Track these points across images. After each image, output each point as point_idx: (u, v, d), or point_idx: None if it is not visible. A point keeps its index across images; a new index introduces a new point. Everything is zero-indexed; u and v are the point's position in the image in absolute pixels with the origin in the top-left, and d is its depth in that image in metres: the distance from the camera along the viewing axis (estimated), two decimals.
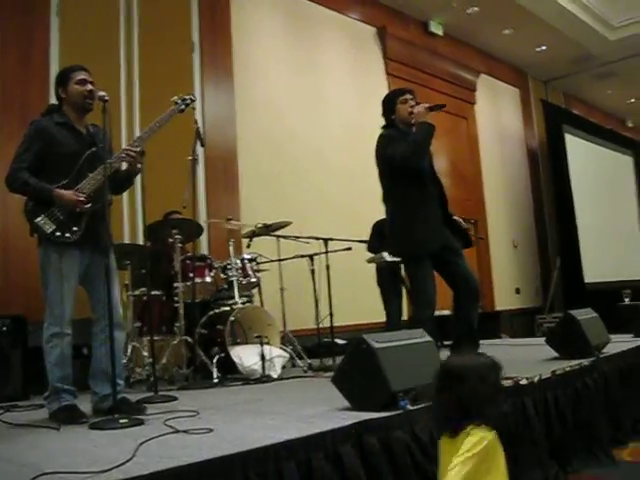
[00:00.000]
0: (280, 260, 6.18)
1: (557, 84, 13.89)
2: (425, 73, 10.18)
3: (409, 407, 3.05)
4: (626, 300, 9.13)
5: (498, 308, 10.94)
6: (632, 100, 15.46)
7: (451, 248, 4.36)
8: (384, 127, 4.53)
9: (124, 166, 3.85)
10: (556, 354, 5.17)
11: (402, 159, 4.23)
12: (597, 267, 12.49)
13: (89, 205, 3.53)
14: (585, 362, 4.76)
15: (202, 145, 5.12)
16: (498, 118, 12.28)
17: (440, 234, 4.31)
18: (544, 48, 11.94)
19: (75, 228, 3.52)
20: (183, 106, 3.98)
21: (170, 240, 5.20)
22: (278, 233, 6.08)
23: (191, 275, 5.30)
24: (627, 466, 4.17)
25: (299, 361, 5.72)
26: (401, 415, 3.01)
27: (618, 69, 13.22)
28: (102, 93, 3.57)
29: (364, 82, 9.23)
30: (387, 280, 6.32)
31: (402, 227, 4.32)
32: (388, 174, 4.38)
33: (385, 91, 7.95)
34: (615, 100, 15.37)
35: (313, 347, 6.21)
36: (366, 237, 6.64)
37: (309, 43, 8.64)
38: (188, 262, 5.43)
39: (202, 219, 6.53)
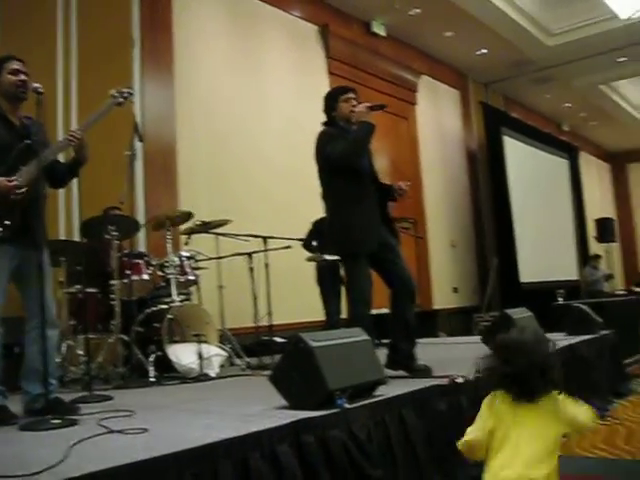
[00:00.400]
0: (219, 258, 6.14)
1: (497, 87, 14.13)
2: (367, 73, 10.23)
3: (346, 405, 3.06)
4: (560, 300, 9.32)
5: (436, 307, 11.08)
6: (568, 105, 15.85)
7: (388, 246, 4.38)
8: (324, 124, 4.54)
9: (61, 159, 3.76)
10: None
11: (341, 157, 4.25)
12: (533, 267, 12.77)
13: (23, 191, 3.41)
14: None
15: (140, 140, 5.05)
16: (438, 119, 12.44)
17: (377, 233, 4.33)
18: (484, 51, 12.13)
19: (7, 222, 3.41)
20: (121, 99, 3.90)
21: (107, 236, 5.09)
22: (217, 230, 6.02)
23: (128, 272, 5.22)
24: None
25: (237, 359, 5.69)
26: (338, 414, 3.02)
27: (555, 74, 13.54)
28: (36, 85, 3.48)
29: (306, 80, 9.23)
30: (327, 279, 6.33)
31: (340, 225, 4.33)
32: (327, 171, 4.38)
33: (327, 90, 7.96)
34: (552, 104, 15.74)
35: (252, 345, 6.18)
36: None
37: (252, 41, 8.59)
38: (125, 259, 5.34)
39: (140, 215, 6.44)
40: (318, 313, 6.47)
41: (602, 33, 11.68)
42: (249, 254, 5.97)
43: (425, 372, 4.24)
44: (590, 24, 11.66)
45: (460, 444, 2.34)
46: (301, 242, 6.53)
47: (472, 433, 2.32)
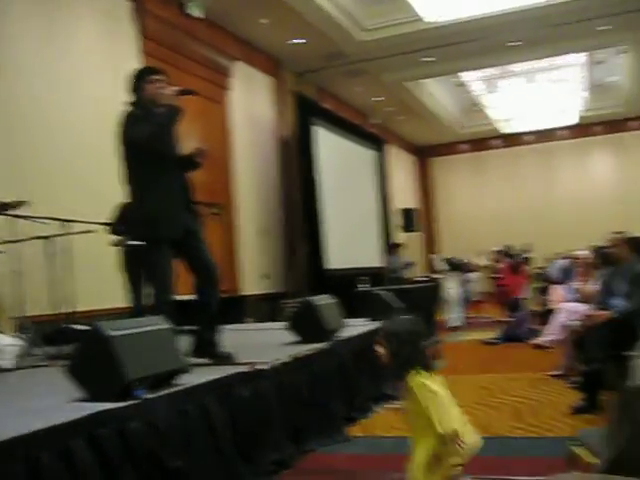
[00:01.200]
0: (15, 241, 5.77)
1: (311, 77, 14.37)
2: (181, 55, 10.03)
3: (146, 396, 3.01)
4: (363, 286, 9.71)
5: (245, 293, 11.14)
6: (378, 99, 16.50)
7: (190, 232, 4.33)
8: (130, 104, 4.37)
9: None
10: (297, 338, 5.40)
11: (146, 141, 4.12)
12: (340, 254, 13.16)
13: None
14: (322, 346, 5.02)
15: None
16: (252, 105, 12.47)
17: (181, 219, 4.27)
18: (299, 41, 12.29)
19: None
20: None
21: None
22: (14, 212, 5.66)
23: None
24: (358, 440, 4.49)
25: (36, 349, 5.40)
26: (137, 404, 2.96)
27: (366, 68, 14.04)
28: None
29: (117, 58, 8.87)
30: (133, 264, 6.15)
31: (142, 211, 4.23)
32: (131, 155, 4.24)
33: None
34: (363, 97, 16.31)
35: (51, 334, 5.89)
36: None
37: (59, 11, 8.10)
38: None
39: None
40: (124, 299, 6.30)
41: (410, 33, 12.26)
42: (47, 237, 5.68)
43: (228, 359, 4.26)
44: (399, 23, 12.19)
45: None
46: (107, 226, 6.31)
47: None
